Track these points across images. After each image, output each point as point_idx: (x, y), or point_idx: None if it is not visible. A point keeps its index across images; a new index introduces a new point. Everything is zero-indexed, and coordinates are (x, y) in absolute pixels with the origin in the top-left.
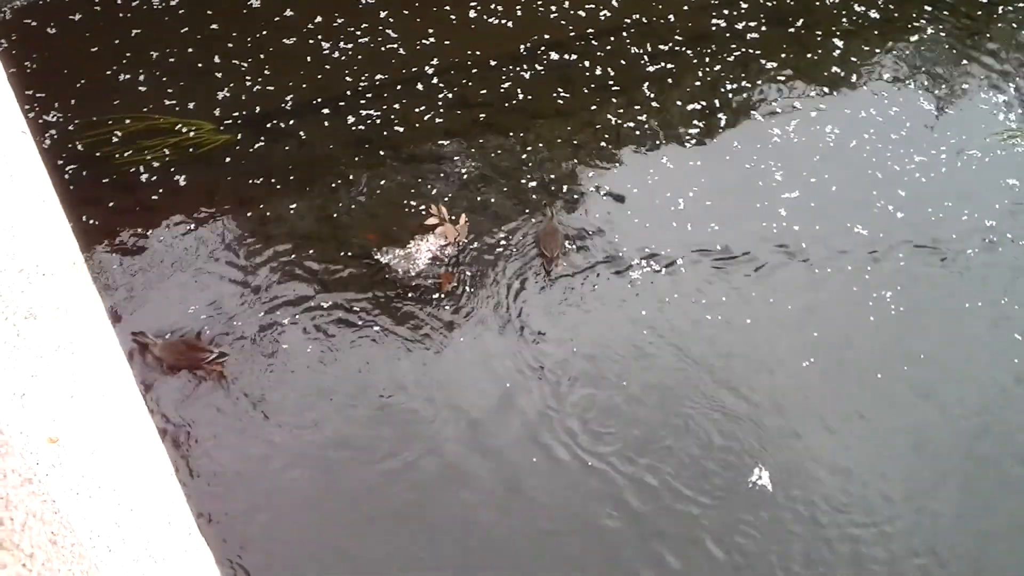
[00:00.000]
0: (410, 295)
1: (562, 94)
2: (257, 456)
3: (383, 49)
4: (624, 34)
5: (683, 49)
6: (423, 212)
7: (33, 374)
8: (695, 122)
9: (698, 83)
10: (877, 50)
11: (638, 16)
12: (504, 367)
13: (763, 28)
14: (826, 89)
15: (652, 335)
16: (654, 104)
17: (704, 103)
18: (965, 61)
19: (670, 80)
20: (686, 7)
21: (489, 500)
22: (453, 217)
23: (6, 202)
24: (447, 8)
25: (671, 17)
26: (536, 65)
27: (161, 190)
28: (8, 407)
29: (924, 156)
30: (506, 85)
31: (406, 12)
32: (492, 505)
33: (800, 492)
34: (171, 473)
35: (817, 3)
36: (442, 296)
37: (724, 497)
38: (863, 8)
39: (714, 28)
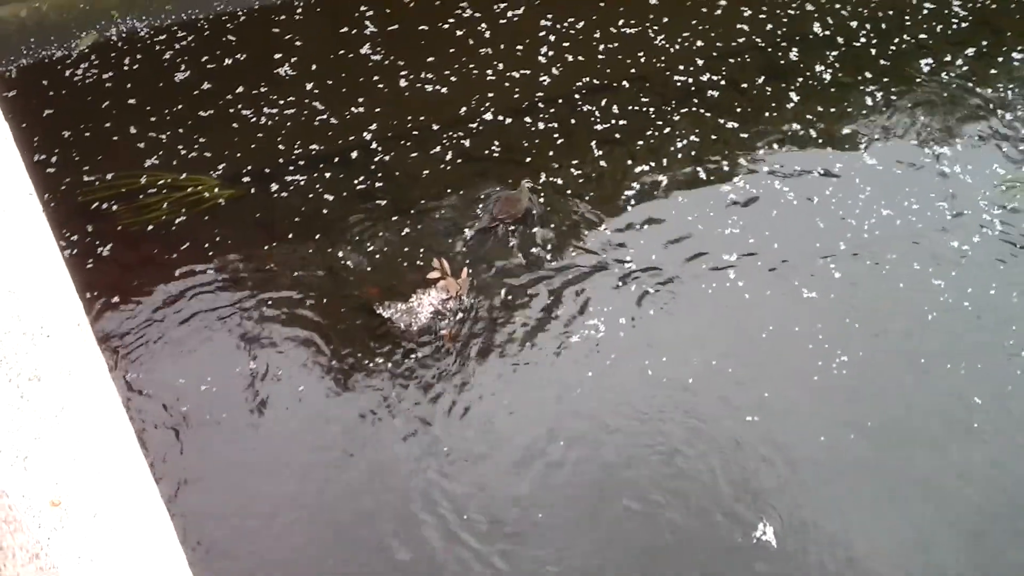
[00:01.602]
0: (413, 350)
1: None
2: (261, 514)
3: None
4: (576, 96)
5: (636, 108)
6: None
7: (37, 436)
8: (643, 179)
9: (651, 140)
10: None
11: (588, 79)
12: (513, 424)
13: (722, 84)
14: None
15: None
16: (602, 163)
17: (652, 163)
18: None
19: (618, 136)
20: (633, 70)
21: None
22: (456, 270)
23: (11, 263)
24: (375, 78)
25: (624, 82)
26: (481, 128)
27: (163, 245)
28: (12, 471)
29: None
30: (450, 152)
31: (330, 82)
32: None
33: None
34: (173, 536)
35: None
36: (446, 351)
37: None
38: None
39: (677, 84)
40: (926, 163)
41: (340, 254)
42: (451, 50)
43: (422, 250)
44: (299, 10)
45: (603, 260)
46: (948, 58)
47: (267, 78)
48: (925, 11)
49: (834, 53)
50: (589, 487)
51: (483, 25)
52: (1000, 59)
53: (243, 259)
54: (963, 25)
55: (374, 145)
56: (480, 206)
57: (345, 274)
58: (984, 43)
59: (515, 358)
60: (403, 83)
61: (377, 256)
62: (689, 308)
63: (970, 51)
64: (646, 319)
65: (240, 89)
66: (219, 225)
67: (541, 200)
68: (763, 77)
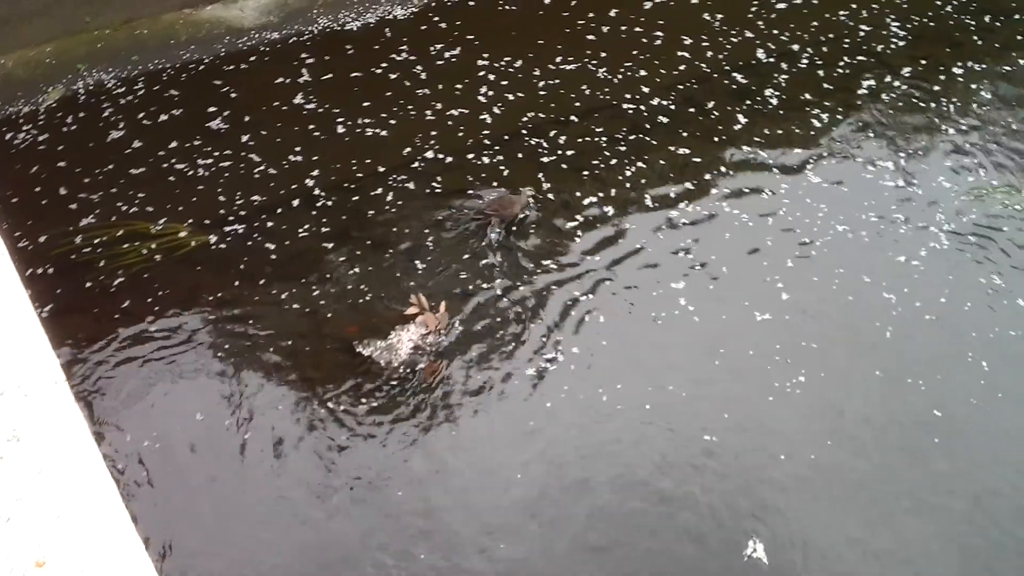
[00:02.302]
0: (392, 387)
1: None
2: (251, 563)
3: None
4: (523, 131)
5: (584, 139)
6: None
7: (18, 497)
8: (592, 209)
9: (600, 169)
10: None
11: (533, 114)
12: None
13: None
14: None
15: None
16: (550, 196)
17: (601, 192)
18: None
19: (564, 166)
20: (578, 103)
21: None
22: (433, 304)
23: None
24: (311, 127)
25: (572, 116)
26: (428, 167)
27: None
28: None
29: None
30: (391, 195)
31: (264, 132)
32: None
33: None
34: None
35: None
36: (426, 386)
37: None
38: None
39: (626, 114)
40: (874, 179)
41: (316, 296)
42: (387, 93)
43: (400, 287)
44: (252, 58)
45: (552, 290)
46: (889, 77)
47: (201, 132)
48: (863, 33)
49: (779, 77)
50: (561, 520)
51: (418, 67)
52: (940, 75)
53: (214, 305)
54: (901, 44)
55: (317, 191)
56: (477, 200)
57: (322, 314)
58: (923, 60)
59: (486, 393)
60: (341, 129)
61: (354, 295)
62: (641, 334)
63: (908, 70)
64: (598, 348)
65: (174, 144)
66: (184, 273)
67: (538, 212)
68: (711, 103)
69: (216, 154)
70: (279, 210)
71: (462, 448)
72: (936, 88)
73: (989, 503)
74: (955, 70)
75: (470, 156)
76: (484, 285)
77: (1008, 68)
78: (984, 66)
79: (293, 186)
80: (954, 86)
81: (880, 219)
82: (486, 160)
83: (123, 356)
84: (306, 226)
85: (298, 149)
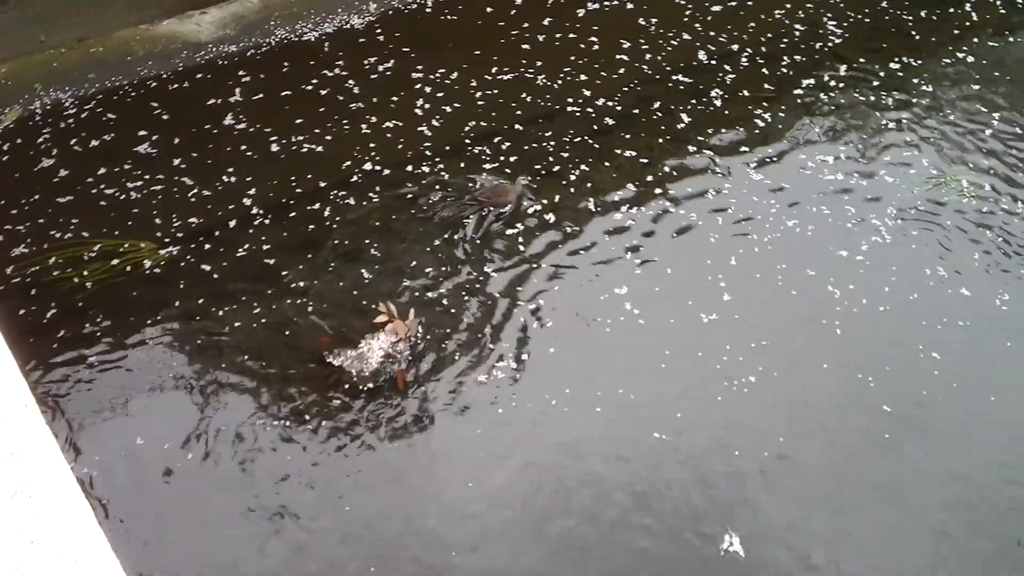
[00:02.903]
0: (365, 397)
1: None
2: None
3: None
4: (466, 140)
5: (527, 146)
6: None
7: None
8: (533, 215)
9: (544, 173)
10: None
11: (474, 123)
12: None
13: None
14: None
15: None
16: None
17: (545, 200)
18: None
19: (508, 171)
20: (520, 111)
21: None
22: (403, 311)
23: None
24: (243, 147)
25: (516, 124)
26: (367, 180)
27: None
28: None
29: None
30: (328, 210)
31: (196, 155)
32: None
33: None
34: None
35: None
36: (399, 393)
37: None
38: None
39: (570, 118)
40: (816, 173)
41: (281, 310)
42: (320, 109)
43: (367, 295)
44: (209, 74)
45: (497, 298)
46: (828, 75)
47: (131, 156)
48: (799, 32)
49: (722, 77)
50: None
51: (351, 81)
52: (879, 71)
53: (178, 327)
54: (838, 41)
55: (255, 210)
56: (471, 186)
57: (291, 328)
58: (860, 58)
59: (455, 399)
60: (275, 147)
61: (321, 307)
62: (587, 339)
63: (845, 67)
64: (545, 355)
65: (102, 170)
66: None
67: (532, 200)
68: (656, 104)
69: (147, 178)
70: (217, 232)
71: (434, 453)
72: (876, 83)
73: (954, 489)
74: (893, 65)
75: (409, 168)
76: (445, 290)
77: (947, 61)
78: (921, 61)
79: (230, 207)
80: (893, 81)
81: (824, 213)
82: (426, 169)
83: (93, 373)
84: (246, 245)
85: (231, 170)
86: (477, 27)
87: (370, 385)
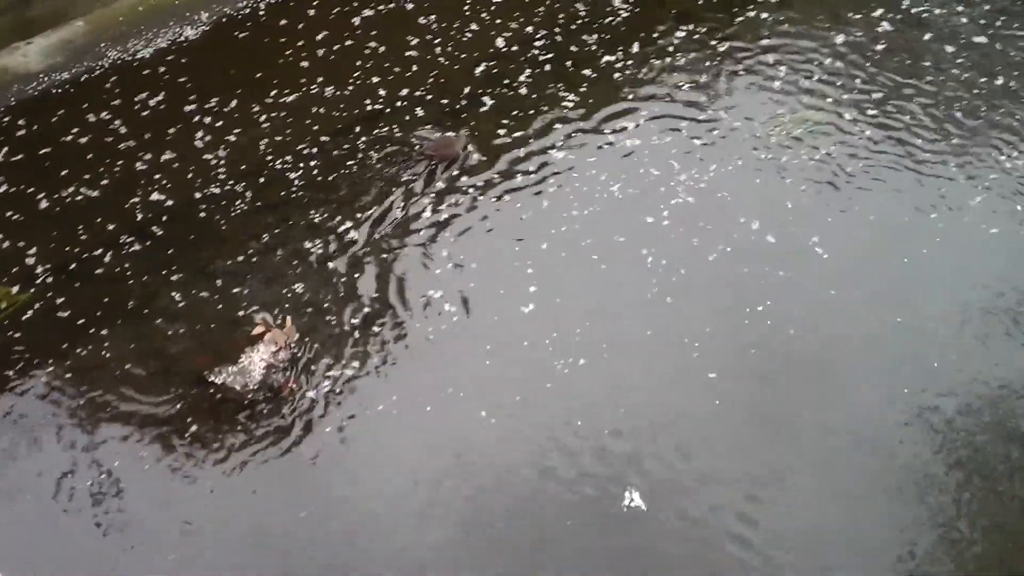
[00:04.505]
0: (248, 410)
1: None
2: None
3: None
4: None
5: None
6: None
7: None
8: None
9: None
10: None
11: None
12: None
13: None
14: None
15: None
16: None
17: (359, 215)
18: None
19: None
20: (316, 126)
21: None
22: (279, 322)
23: None
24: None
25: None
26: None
27: None
28: None
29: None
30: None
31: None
32: None
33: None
34: None
35: None
36: (285, 401)
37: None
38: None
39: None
40: (615, 146)
41: (152, 337)
42: (88, 156)
43: (242, 308)
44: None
45: (364, 297)
46: (619, 54)
47: None
48: (584, 17)
49: (524, 60)
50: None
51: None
52: (673, 41)
53: (54, 360)
54: (627, 15)
55: (39, 269)
56: (415, 143)
57: (166, 353)
58: (656, 32)
59: (346, 395)
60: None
61: (197, 325)
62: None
63: (636, 43)
64: (433, 357)
65: None
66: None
67: (472, 150)
68: (464, 92)
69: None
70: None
71: (330, 456)
72: (667, 60)
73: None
74: (679, 33)
75: (200, 196)
76: (316, 295)
77: (748, 16)
78: (767, 14)
79: (13, 269)
80: (745, 30)
81: (629, 184)
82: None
83: None
84: (58, 304)
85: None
86: (247, 54)
87: (255, 398)
